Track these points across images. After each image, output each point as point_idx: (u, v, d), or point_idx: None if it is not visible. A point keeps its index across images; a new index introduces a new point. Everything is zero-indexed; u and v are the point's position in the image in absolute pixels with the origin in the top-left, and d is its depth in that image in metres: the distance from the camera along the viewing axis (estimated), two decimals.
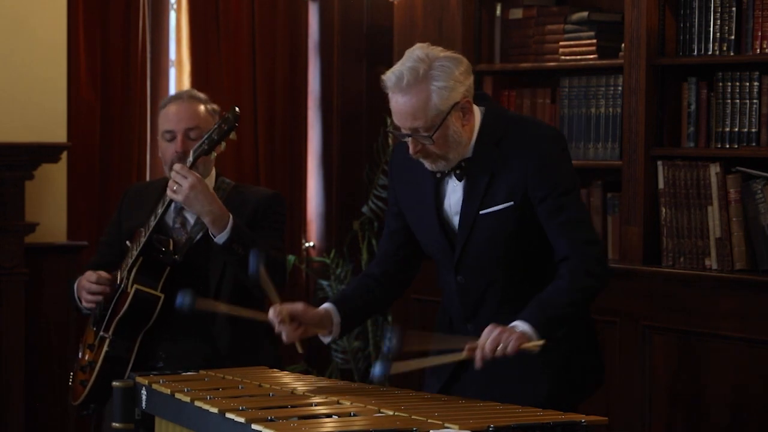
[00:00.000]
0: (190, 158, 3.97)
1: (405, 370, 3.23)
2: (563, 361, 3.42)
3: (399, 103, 3.31)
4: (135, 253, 4.08)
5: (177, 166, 3.97)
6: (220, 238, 3.95)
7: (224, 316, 4.09)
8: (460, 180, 3.40)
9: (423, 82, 3.29)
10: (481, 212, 3.37)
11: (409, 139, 3.34)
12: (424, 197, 3.47)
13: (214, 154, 4.04)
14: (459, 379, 3.47)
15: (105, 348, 4.08)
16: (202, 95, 4.27)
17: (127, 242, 4.17)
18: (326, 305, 3.51)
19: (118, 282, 4.12)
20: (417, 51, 3.34)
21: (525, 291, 3.35)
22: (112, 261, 4.25)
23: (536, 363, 3.34)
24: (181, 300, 3.50)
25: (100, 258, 4.33)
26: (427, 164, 3.39)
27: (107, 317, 4.11)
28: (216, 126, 3.93)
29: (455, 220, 3.43)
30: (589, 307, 3.48)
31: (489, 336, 3.19)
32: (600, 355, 3.59)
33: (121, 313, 4.05)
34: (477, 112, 3.40)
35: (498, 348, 3.17)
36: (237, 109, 3.92)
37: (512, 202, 3.34)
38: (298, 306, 3.45)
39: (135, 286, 4.05)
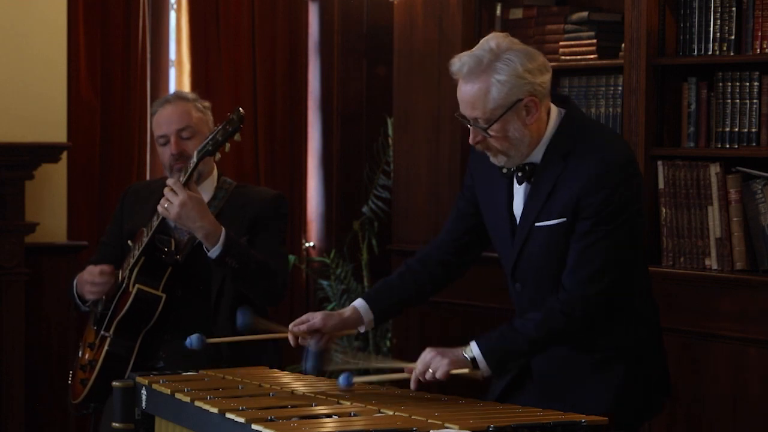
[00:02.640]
0: (194, 159, 3.95)
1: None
2: (626, 374, 3.32)
3: (460, 90, 3.23)
4: (137, 253, 4.08)
5: (170, 181, 3.96)
6: (213, 253, 3.94)
7: (225, 315, 4.09)
8: (519, 183, 3.32)
9: (485, 73, 3.18)
10: (536, 224, 3.28)
11: (470, 128, 3.26)
12: (498, 193, 3.39)
13: (218, 155, 4.04)
14: (522, 387, 3.41)
15: (106, 347, 4.08)
16: (190, 95, 4.27)
17: (129, 242, 4.17)
18: (357, 303, 3.49)
19: (120, 280, 4.12)
20: (490, 40, 3.22)
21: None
22: (112, 261, 4.26)
23: (599, 376, 3.29)
24: (241, 319, 3.48)
25: (100, 257, 4.33)
26: (490, 157, 3.30)
27: (108, 316, 4.11)
28: (220, 127, 3.91)
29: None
30: (657, 315, 3.39)
31: (423, 358, 3.19)
32: (666, 367, 3.47)
33: (123, 312, 4.06)
34: (554, 114, 3.29)
35: (428, 373, 3.17)
36: (241, 110, 3.90)
37: (564, 219, 3.23)
38: (315, 320, 3.44)
39: (137, 285, 4.05)
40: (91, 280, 4.13)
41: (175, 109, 4.16)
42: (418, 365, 3.20)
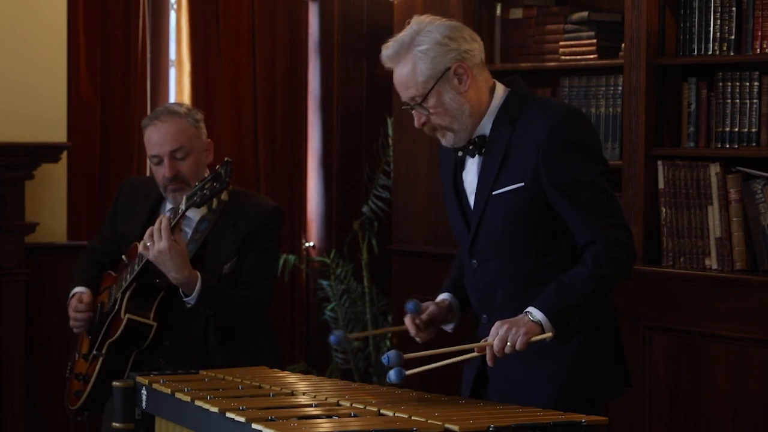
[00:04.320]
0: (183, 206, 3.86)
1: (416, 370, 3.15)
2: (578, 359, 3.31)
3: (394, 76, 3.31)
4: (129, 277, 4.02)
5: (156, 223, 3.88)
6: (188, 300, 3.92)
7: (216, 337, 4.06)
8: (472, 156, 3.35)
9: (408, 50, 3.26)
10: (493, 192, 3.29)
11: (413, 113, 3.31)
12: (448, 176, 3.44)
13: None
14: (489, 380, 3.41)
15: (98, 365, 4.06)
16: (181, 108, 4.12)
17: (124, 257, 4.13)
18: (444, 296, 3.48)
19: (112, 301, 4.10)
20: (413, 23, 3.31)
21: (536, 284, 3.26)
22: (108, 253, 4.27)
23: (550, 362, 3.29)
24: (334, 338, 3.38)
25: (100, 245, 4.33)
26: (440, 139, 3.35)
27: (101, 336, 4.09)
28: (209, 178, 3.81)
29: (472, 199, 3.37)
30: (611, 305, 3.39)
31: (497, 334, 3.14)
32: (621, 355, 3.44)
33: (114, 338, 4.03)
34: (500, 91, 3.34)
35: (507, 347, 3.13)
36: (230, 166, 3.79)
37: (522, 183, 3.25)
38: (433, 310, 3.41)
39: (127, 315, 4.00)
40: (72, 315, 4.14)
41: (168, 128, 4.02)
42: (495, 342, 3.13)
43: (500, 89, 3.36)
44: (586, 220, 3.23)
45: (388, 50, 3.30)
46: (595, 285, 3.21)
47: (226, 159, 3.84)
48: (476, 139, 3.33)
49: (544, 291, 3.21)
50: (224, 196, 3.80)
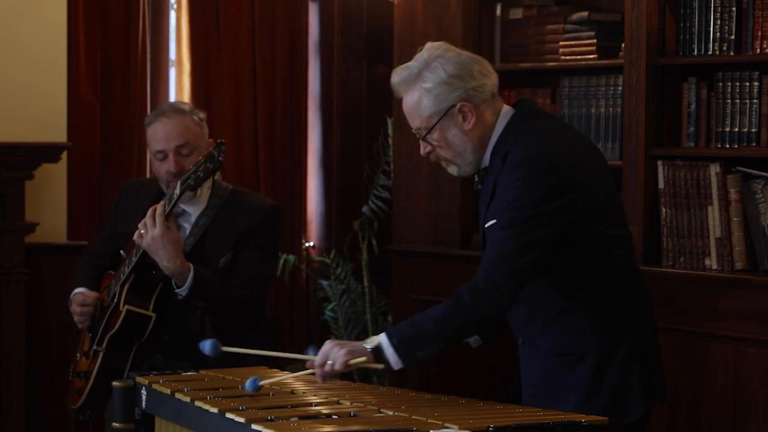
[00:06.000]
0: (177, 190, 3.89)
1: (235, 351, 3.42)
2: (594, 375, 3.23)
3: (402, 103, 3.29)
4: (127, 270, 4.04)
5: (153, 209, 3.92)
6: (180, 292, 3.94)
7: (212, 334, 4.05)
8: (474, 189, 3.35)
9: (415, 83, 3.23)
10: (485, 226, 3.27)
11: (420, 141, 3.29)
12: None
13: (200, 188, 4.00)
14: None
15: (99, 361, 4.07)
16: (186, 106, 4.18)
17: (122, 252, 4.15)
18: None
19: (111, 295, 4.10)
20: (424, 51, 3.27)
21: (524, 315, 3.27)
22: (108, 255, 4.28)
23: (566, 377, 3.24)
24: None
25: (99, 248, 4.34)
26: (445, 168, 3.33)
27: (101, 331, 4.09)
28: (203, 161, 3.84)
29: None
30: (638, 317, 3.31)
31: (321, 351, 3.15)
32: (653, 372, 3.30)
33: (113, 330, 4.04)
34: (503, 117, 3.27)
35: (327, 365, 3.12)
36: (223, 146, 3.82)
37: (495, 221, 3.21)
38: None
39: (126, 307, 4.01)
40: (78, 310, 4.15)
41: (174, 124, 4.06)
42: (318, 357, 3.15)
43: (503, 118, 3.28)
44: (487, 251, 3.18)
45: (396, 77, 3.27)
46: (445, 315, 3.13)
47: (219, 140, 3.87)
48: (481, 171, 3.30)
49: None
50: (217, 176, 3.84)
